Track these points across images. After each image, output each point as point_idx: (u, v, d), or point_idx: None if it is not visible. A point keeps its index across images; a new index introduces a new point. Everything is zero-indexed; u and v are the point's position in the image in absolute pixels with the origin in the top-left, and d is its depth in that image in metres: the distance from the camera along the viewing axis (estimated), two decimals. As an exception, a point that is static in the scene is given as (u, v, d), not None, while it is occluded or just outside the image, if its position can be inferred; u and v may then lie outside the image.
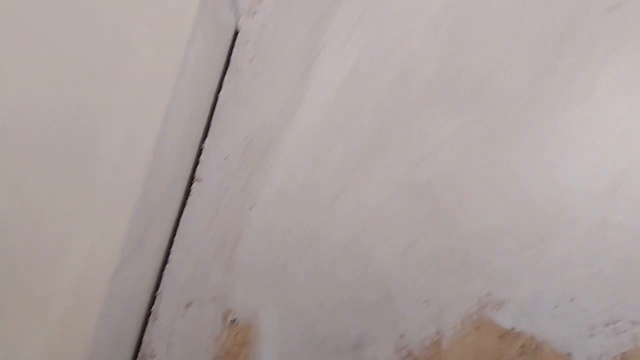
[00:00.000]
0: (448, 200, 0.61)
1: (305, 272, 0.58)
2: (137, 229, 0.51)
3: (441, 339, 0.57)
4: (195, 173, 0.61)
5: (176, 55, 0.52)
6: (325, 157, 0.61)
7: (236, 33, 0.61)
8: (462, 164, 0.62)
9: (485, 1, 0.59)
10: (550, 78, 0.57)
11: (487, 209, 0.61)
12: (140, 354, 0.56)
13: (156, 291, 0.58)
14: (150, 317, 0.57)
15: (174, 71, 0.53)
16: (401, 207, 0.61)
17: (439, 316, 0.58)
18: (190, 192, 0.61)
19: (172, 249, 0.59)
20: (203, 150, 0.62)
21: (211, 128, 0.62)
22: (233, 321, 0.57)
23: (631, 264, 0.59)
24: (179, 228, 0.60)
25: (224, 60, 0.60)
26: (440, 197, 0.61)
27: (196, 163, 0.61)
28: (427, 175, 0.62)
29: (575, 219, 0.60)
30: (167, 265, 0.58)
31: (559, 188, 0.62)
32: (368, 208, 0.60)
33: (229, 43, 0.60)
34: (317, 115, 0.61)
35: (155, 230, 0.55)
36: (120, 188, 0.48)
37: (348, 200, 0.60)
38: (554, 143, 0.59)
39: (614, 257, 0.59)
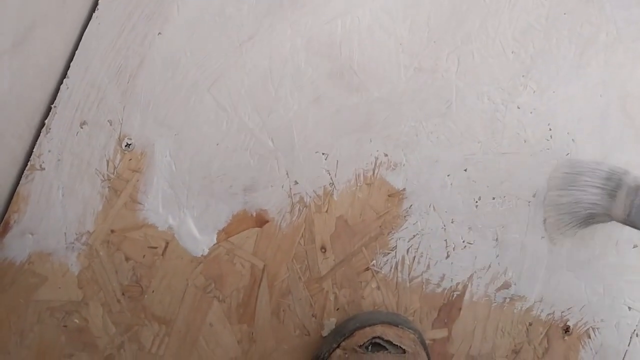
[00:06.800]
0: (355, 63, 0.60)
1: (206, 109, 0.57)
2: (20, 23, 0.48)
3: (333, 190, 0.58)
4: (105, -12, 0.58)
5: None
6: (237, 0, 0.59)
7: None
8: (376, 33, 0.61)
9: None
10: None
11: (393, 76, 0.61)
12: (29, 164, 0.55)
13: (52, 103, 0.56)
14: (43, 129, 0.56)
15: None
16: (306, 61, 0.60)
17: (335, 169, 0.59)
18: (97, 7, 0.58)
19: (72, 63, 0.56)
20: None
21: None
22: (128, 146, 0.56)
23: (525, 144, 0.61)
24: (81, 43, 0.57)
25: None
26: (347, 59, 0.60)
27: (107, -23, 0.57)
28: (337, 36, 0.61)
29: (483, 94, 0.61)
30: (64, 79, 0.57)
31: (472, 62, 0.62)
32: (274, 59, 0.59)
33: None
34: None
35: (45, 32, 0.52)
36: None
37: (255, 47, 0.58)
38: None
39: (511, 136, 0.61)
